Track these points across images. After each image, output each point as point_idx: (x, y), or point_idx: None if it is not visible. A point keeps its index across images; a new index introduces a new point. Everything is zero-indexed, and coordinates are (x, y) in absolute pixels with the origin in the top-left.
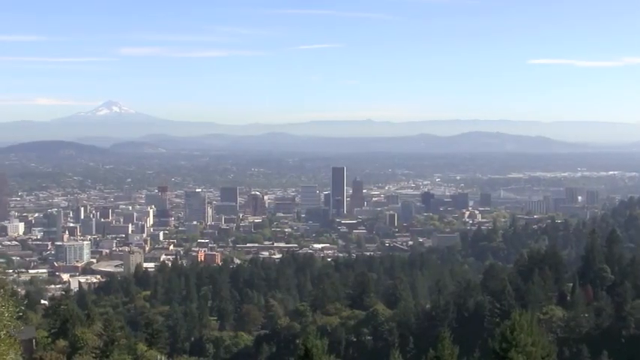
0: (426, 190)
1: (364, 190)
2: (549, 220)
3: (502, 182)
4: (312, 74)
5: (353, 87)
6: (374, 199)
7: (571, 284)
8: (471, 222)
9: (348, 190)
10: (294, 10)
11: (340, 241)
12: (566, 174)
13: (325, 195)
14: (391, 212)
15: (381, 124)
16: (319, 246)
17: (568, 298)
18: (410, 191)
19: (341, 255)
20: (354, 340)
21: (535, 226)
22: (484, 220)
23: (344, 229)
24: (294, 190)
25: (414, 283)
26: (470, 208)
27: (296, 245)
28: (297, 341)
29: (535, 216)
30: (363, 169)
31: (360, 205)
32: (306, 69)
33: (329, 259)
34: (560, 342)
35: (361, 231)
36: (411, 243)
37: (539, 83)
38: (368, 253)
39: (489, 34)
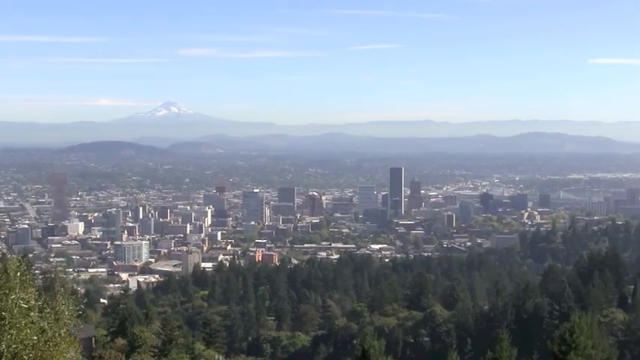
0: (484, 190)
1: (422, 191)
2: (610, 222)
3: (562, 183)
4: (369, 74)
5: (412, 87)
6: (432, 199)
7: (632, 287)
8: (529, 223)
9: (405, 191)
10: (351, 10)
11: (398, 242)
12: (627, 175)
13: (383, 195)
14: (449, 213)
15: (439, 124)
16: (377, 246)
17: (629, 300)
18: (468, 192)
19: (398, 256)
20: (412, 341)
21: (595, 228)
22: (543, 221)
23: (402, 229)
24: (351, 190)
25: (472, 285)
26: (529, 209)
27: (353, 246)
28: (355, 342)
29: (595, 217)
30: (421, 169)
31: (418, 206)
32: (364, 69)
33: (386, 260)
34: (620, 345)
35: (419, 232)
36: (469, 244)
37: (600, 83)
38: (426, 254)
39: (549, 34)
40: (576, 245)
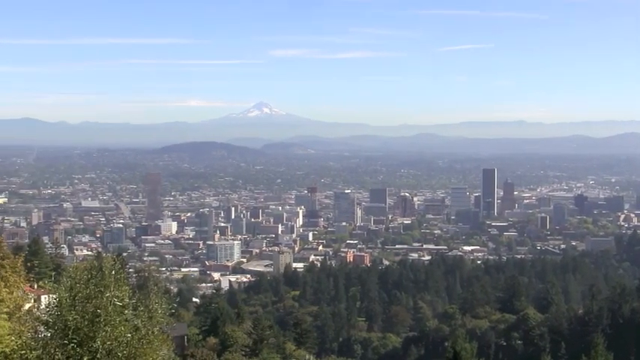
0: (579, 192)
1: (515, 192)
2: None
3: None
4: (462, 75)
5: (504, 88)
6: (525, 201)
7: None
8: (626, 226)
9: (498, 192)
10: (443, 10)
11: (490, 244)
12: None
13: (475, 197)
14: (543, 215)
15: (532, 124)
16: (469, 248)
17: None
18: (562, 193)
19: (491, 258)
20: (504, 344)
21: None
22: None
23: (494, 231)
24: (443, 191)
25: (567, 288)
26: (625, 212)
27: (445, 247)
28: (446, 344)
29: None
30: (514, 170)
31: (511, 208)
32: (456, 70)
33: (479, 262)
34: None
35: (512, 233)
36: (563, 246)
37: None
38: (519, 256)
39: None
40: None
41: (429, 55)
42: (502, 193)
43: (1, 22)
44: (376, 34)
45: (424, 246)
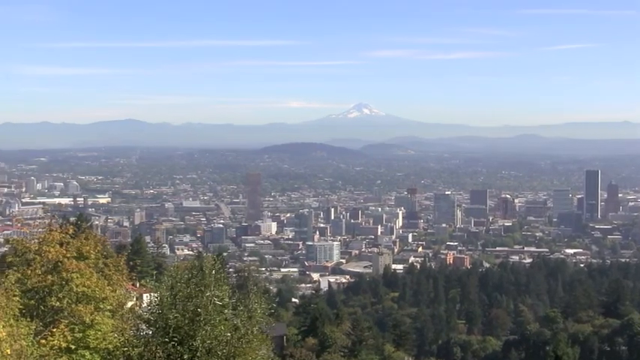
0: None
1: (620, 194)
2: None
3: None
4: (564, 75)
5: (609, 88)
6: (630, 203)
7: None
8: None
9: (602, 194)
10: (545, 10)
11: (594, 247)
12: None
13: (578, 199)
14: None
15: (638, 125)
16: (571, 251)
17: None
18: None
19: (594, 261)
20: (608, 349)
21: None
22: None
23: (598, 234)
24: (545, 193)
25: None
26: None
27: (547, 250)
28: (547, 348)
29: None
30: (619, 172)
31: (615, 210)
32: (558, 70)
33: (581, 265)
34: None
35: (616, 236)
36: None
37: None
38: (623, 260)
39: None
40: None
41: (533, 55)
42: (606, 195)
43: (104, 25)
44: (479, 34)
45: (525, 248)
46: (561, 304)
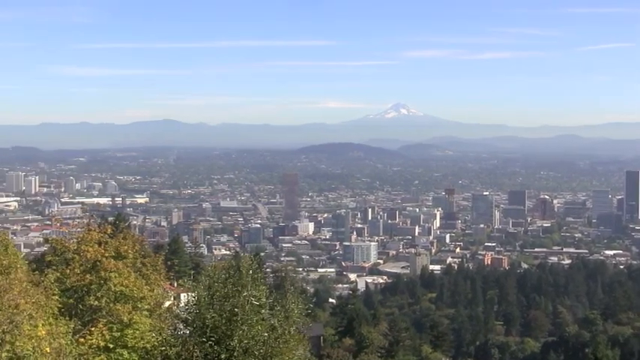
0: None
1: None
2: None
3: None
4: (605, 74)
5: None
6: None
7: None
8: None
9: None
10: (585, 9)
11: (634, 248)
12: None
13: (618, 200)
14: None
15: None
16: (611, 252)
17: None
18: None
19: (634, 262)
20: None
21: None
22: None
23: (638, 235)
24: (584, 194)
25: None
26: None
27: (586, 251)
28: (587, 350)
29: None
30: None
31: None
32: (599, 69)
33: (621, 267)
34: None
35: None
36: None
37: None
38: None
39: None
40: None
41: (573, 55)
42: None
43: (141, 27)
44: (518, 33)
45: (564, 249)
46: (601, 306)
